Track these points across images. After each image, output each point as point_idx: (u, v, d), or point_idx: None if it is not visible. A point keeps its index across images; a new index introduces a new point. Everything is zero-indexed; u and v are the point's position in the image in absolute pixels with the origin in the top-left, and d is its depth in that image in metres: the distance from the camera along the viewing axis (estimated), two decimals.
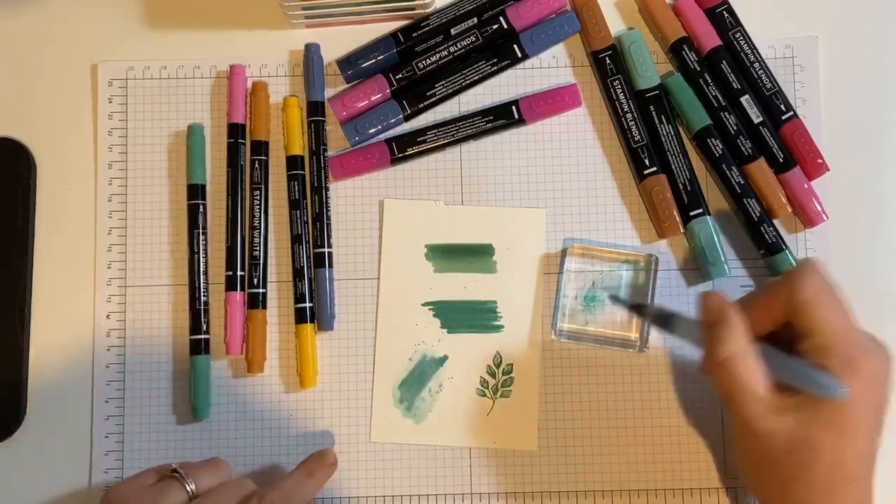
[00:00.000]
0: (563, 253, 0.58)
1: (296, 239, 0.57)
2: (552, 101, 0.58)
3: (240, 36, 0.60)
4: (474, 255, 0.58)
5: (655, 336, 0.57)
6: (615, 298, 0.56)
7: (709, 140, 0.57)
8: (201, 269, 0.57)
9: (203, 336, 0.56)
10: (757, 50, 0.58)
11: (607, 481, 0.56)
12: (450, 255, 0.58)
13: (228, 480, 0.51)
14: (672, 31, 0.58)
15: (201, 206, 0.58)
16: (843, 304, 0.47)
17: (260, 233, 0.57)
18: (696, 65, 0.58)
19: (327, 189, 0.58)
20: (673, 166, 0.57)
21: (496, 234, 0.58)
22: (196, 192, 0.58)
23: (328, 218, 0.58)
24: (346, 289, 0.58)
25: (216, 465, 0.51)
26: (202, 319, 0.56)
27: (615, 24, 0.60)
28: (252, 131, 0.58)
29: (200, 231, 0.57)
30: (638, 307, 0.54)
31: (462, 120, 0.58)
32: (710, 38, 0.58)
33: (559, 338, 0.57)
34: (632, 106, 0.58)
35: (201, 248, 0.57)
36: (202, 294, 0.57)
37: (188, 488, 0.49)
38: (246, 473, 0.56)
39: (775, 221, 0.57)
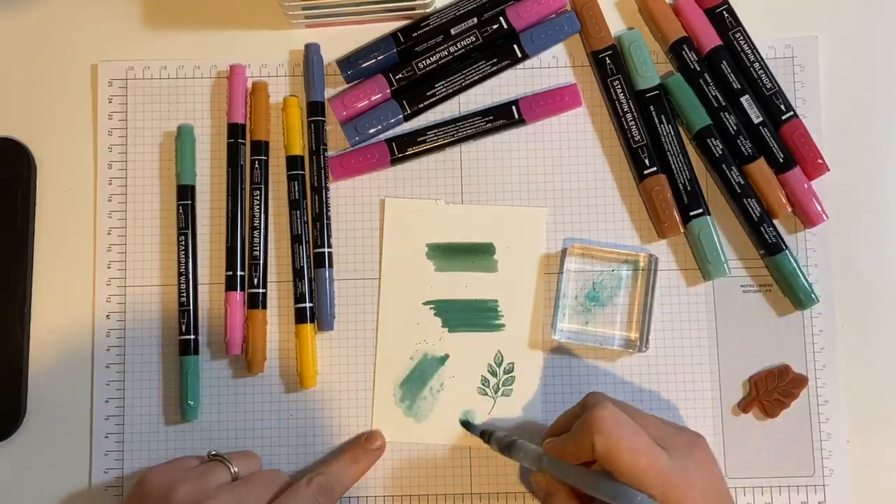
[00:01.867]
0: (563, 253, 0.58)
1: (296, 239, 0.57)
2: (552, 101, 0.58)
3: (240, 36, 0.60)
4: (475, 254, 0.58)
5: (655, 336, 0.57)
6: (466, 423, 0.56)
7: (709, 140, 0.57)
8: (190, 270, 0.57)
9: (190, 337, 0.56)
10: (757, 50, 0.58)
11: None
12: (451, 254, 0.58)
13: (262, 469, 0.53)
14: (672, 31, 0.58)
15: (190, 208, 0.58)
16: (642, 438, 0.46)
17: (260, 233, 0.57)
18: (696, 65, 0.58)
19: (327, 189, 0.58)
20: (673, 166, 0.57)
21: (497, 233, 0.58)
22: (185, 193, 0.58)
23: (328, 218, 0.58)
24: (346, 289, 0.58)
25: (250, 455, 0.54)
26: (189, 320, 0.56)
27: (615, 24, 0.60)
28: (252, 131, 0.58)
29: (190, 232, 0.57)
30: (484, 434, 0.54)
31: (462, 120, 0.58)
32: (710, 38, 0.58)
33: (559, 337, 0.57)
34: (632, 106, 0.58)
35: (190, 248, 0.57)
36: (190, 295, 0.57)
37: (232, 470, 0.51)
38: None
39: (775, 221, 0.57)
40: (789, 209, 0.57)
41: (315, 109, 0.58)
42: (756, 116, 0.58)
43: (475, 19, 0.59)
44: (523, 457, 0.51)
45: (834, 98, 0.59)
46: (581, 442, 0.47)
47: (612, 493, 0.45)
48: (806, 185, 0.57)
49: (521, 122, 0.58)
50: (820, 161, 0.57)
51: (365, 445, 0.55)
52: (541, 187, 0.59)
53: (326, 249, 0.57)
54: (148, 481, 0.49)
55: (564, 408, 0.56)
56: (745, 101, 0.58)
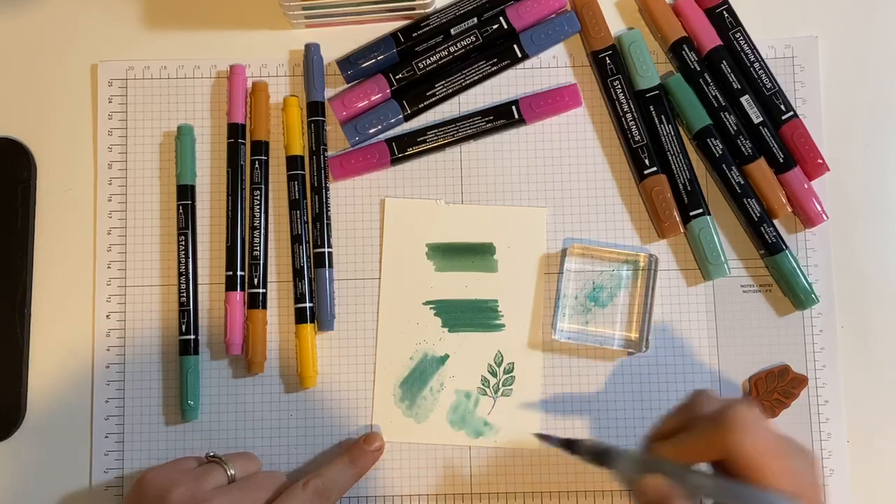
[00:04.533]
0: (563, 253, 0.58)
1: (296, 239, 0.57)
2: (552, 101, 0.58)
3: (240, 36, 0.60)
4: (475, 254, 0.58)
5: (655, 336, 0.57)
6: (542, 436, 0.49)
7: (709, 140, 0.57)
8: (189, 270, 0.57)
9: (190, 337, 0.56)
10: (757, 50, 0.58)
11: (607, 481, 0.56)
12: (451, 254, 0.58)
13: (260, 471, 0.53)
14: (672, 31, 0.58)
15: (189, 207, 0.58)
16: (774, 438, 0.42)
17: (260, 233, 0.57)
18: (696, 65, 0.58)
19: (327, 189, 0.58)
20: (673, 166, 0.57)
21: (497, 233, 0.58)
22: (185, 192, 0.58)
23: (328, 218, 0.58)
24: (346, 289, 0.58)
25: (248, 457, 0.54)
26: (189, 320, 0.56)
27: (615, 24, 0.60)
28: (252, 131, 0.58)
29: (190, 232, 0.57)
30: (569, 443, 0.47)
31: (462, 120, 0.58)
32: (710, 38, 0.58)
33: (559, 337, 0.57)
34: (632, 106, 0.58)
35: (190, 248, 0.57)
36: (190, 295, 0.57)
37: (228, 472, 0.51)
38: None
39: (775, 221, 0.57)
40: (789, 209, 0.57)
41: (315, 109, 0.58)
42: (756, 116, 0.58)
43: (475, 19, 0.59)
44: (623, 463, 0.45)
45: (834, 98, 0.59)
46: (710, 439, 0.42)
47: (750, 498, 0.40)
48: (806, 185, 0.57)
49: (521, 122, 0.58)
50: (820, 161, 0.57)
51: (363, 447, 0.55)
52: (541, 187, 0.59)
53: (326, 249, 0.57)
54: (146, 483, 0.49)
55: (564, 407, 0.57)
56: (745, 101, 0.58)
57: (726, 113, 0.58)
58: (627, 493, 0.56)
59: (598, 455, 0.46)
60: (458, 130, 0.58)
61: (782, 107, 0.58)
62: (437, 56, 0.59)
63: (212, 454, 0.52)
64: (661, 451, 0.44)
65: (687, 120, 0.58)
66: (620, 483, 0.55)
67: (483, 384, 0.57)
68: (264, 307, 0.57)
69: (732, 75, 0.58)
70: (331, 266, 0.58)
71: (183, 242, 0.57)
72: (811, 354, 0.57)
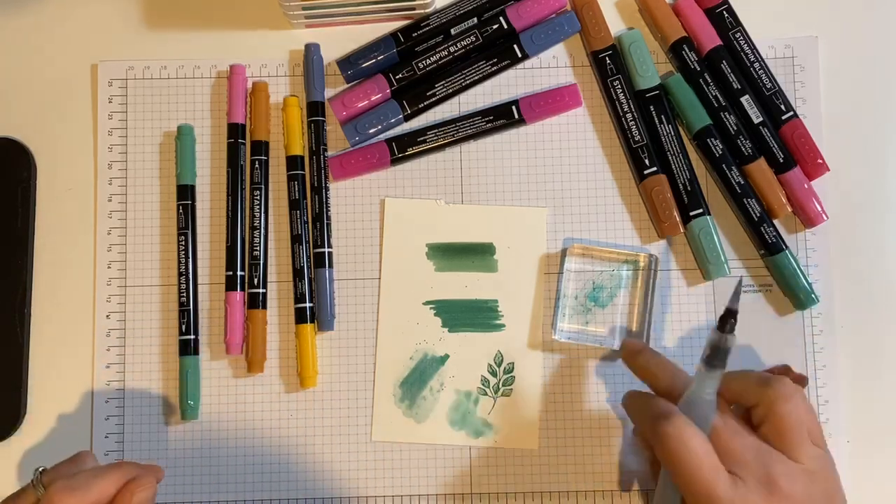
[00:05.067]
0: (563, 253, 0.58)
1: (296, 239, 0.57)
2: (552, 101, 0.58)
3: (240, 36, 0.60)
4: (475, 254, 0.58)
5: (655, 336, 0.57)
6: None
7: (709, 140, 0.57)
8: (189, 271, 0.57)
9: (190, 337, 0.56)
10: (757, 50, 0.58)
11: (607, 481, 0.56)
12: (451, 254, 0.58)
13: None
14: (672, 30, 0.58)
15: (189, 207, 0.58)
16: (817, 433, 0.47)
17: (260, 233, 0.57)
18: (696, 65, 0.58)
19: (327, 189, 0.58)
20: (673, 166, 0.57)
21: (497, 233, 0.58)
22: (185, 192, 0.58)
23: (328, 218, 0.58)
24: (346, 289, 0.58)
25: (77, 462, 0.50)
26: (189, 320, 0.56)
27: (615, 24, 0.60)
28: (252, 131, 0.58)
29: (190, 232, 0.57)
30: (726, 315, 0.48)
31: (462, 120, 0.58)
32: (710, 38, 0.58)
33: (559, 337, 0.57)
34: (632, 106, 0.58)
35: (190, 248, 0.57)
36: (190, 295, 0.57)
37: (38, 493, 0.47)
38: (245, 475, 0.56)
39: (775, 221, 0.57)
40: (789, 209, 0.57)
41: (315, 109, 0.58)
42: (756, 116, 0.58)
43: (475, 19, 0.59)
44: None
45: (834, 98, 0.59)
46: (756, 392, 0.47)
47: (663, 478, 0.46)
48: (806, 185, 0.57)
49: (521, 122, 0.58)
50: (820, 161, 0.57)
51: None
52: (541, 187, 0.59)
53: (326, 249, 0.57)
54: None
55: (564, 408, 0.57)
56: (745, 101, 0.58)
57: (726, 113, 0.58)
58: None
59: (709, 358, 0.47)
60: (458, 130, 0.58)
61: (782, 107, 0.58)
62: (437, 56, 0.59)
63: (41, 469, 0.48)
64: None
65: (687, 120, 0.58)
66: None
67: (483, 384, 0.57)
68: (264, 307, 0.57)
69: (732, 75, 0.58)
70: (331, 266, 0.58)
71: (183, 242, 0.57)
72: (811, 354, 0.57)
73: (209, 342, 0.57)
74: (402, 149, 0.58)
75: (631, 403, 0.52)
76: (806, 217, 0.57)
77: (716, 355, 0.47)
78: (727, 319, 0.47)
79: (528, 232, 0.58)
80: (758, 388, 0.47)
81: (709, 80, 0.58)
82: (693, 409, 0.46)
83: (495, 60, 0.58)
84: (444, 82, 0.58)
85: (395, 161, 0.58)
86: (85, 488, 0.46)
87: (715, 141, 0.57)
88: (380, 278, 0.58)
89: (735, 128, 0.57)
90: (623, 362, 0.54)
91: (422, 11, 0.59)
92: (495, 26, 0.59)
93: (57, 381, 0.57)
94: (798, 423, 0.46)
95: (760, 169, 0.57)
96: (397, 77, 0.58)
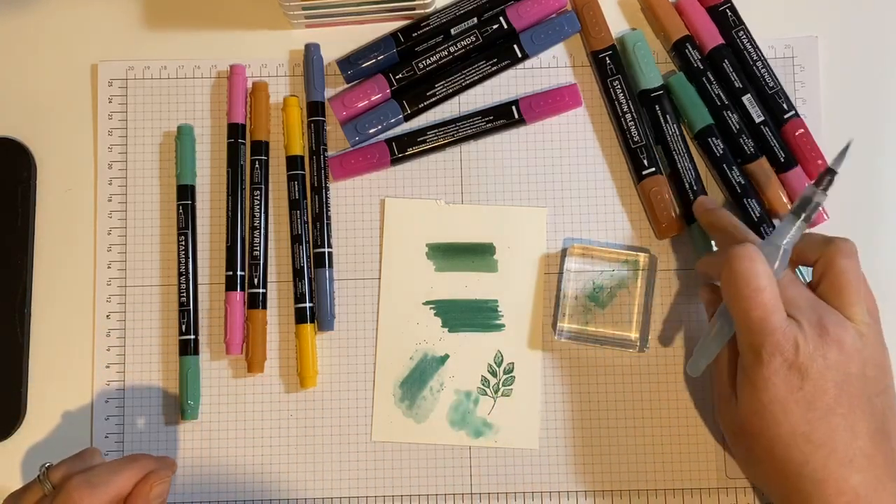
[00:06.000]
0: (563, 253, 0.58)
1: (296, 239, 0.57)
2: (552, 101, 0.58)
3: (240, 36, 0.60)
4: (476, 254, 0.58)
5: (655, 336, 0.57)
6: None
7: (710, 139, 0.57)
8: (189, 271, 0.57)
9: (190, 337, 0.56)
10: (759, 49, 0.58)
11: (607, 481, 0.56)
12: (451, 254, 0.58)
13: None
14: (675, 29, 0.58)
15: (189, 207, 0.58)
16: (871, 302, 0.49)
17: (260, 233, 0.57)
18: (698, 63, 0.58)
19: (327, 189, 0.58)
20: (679, 166, 0.57)
21: (497, 233, 0.58)
22: (185, 192, 0.58)
23: (328, 218, 0.58)
24: (346, 289, 0.58)
25: (84, 458, 0.50)
26: (189, 320, 0.56)
27: (617, 23, 0.60)
28: (252, 131, 0.58)
29: (190, 232, 0.57)
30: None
31: (462, 120, 0.58)
32: (712, 37, 0.58)
33: (559, 337, 0.57)
34: (631, 106, 0.58)
35: (190, 248, 0.57)
36: (190, 295, 0.57)
37: (46, 488, 0.47)
38: (245, 475, 0.56)
39: (776, 221, 0.57)
40: (790, 209, 0.57)
41: (315, 109, 0.58)
42: (758, 116, 0.57)
43: (475, 19, 0.59)
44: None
45: (834, 98, 0.59)
46: (816, 253, 0.49)
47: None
48: (807, 185, 0.57)
49: (521, 122, 0.58)
50: (821, 161, 0.57)
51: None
52: (541, 187, 0.59)
53: (326, 249, 0.57)
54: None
55: (564, 408, 0.57)
56: (747, 100, 0.58)
57: (728, 112, 0.57)
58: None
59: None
60: (458, 130, 0.58)
61: (784, 106, 0.58)
62: (437, 56, 0.58)
63: (46, 465, 0.49)
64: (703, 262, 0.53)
65: (689, 119, 0.58)
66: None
67: (483, 384, 0.57)
68: (264, 307, 0.57)
69: (734, 74, 0.58)
70: (331, 266, 0.58)
71: (183, 242, 0.57)
72: None
73: (209, 342, 0.57)
74: (402, 149, 0.58)
75: (706, 259, 0.54)
76: None
77: (804, 206, 0.48)
78: (825, 176, 0.48)
79: (528, 232, 0.58)
80: (821, 244, 0.49)
81: (711, 78, 0.58)
82: (767, 253, 0.48)
83: (495, 60, 0.58)
84: (444, 82, 0.58)
85: (395, 161, 0.58)
86: (105, 484, 0.46)
87: (716, 140, 0.57)
88: (380, 278, 0.58)
89: (737, 127, 0.57)
90: (696, 216, 0.55)
91: (422, 11, 0.59)
92: (495, 26, 0.59)
93: (57, 381, 0.57)
94: (855, 281, 0.47)
95: (762, 168, 0.57)
96: (397, 77, 0.58)
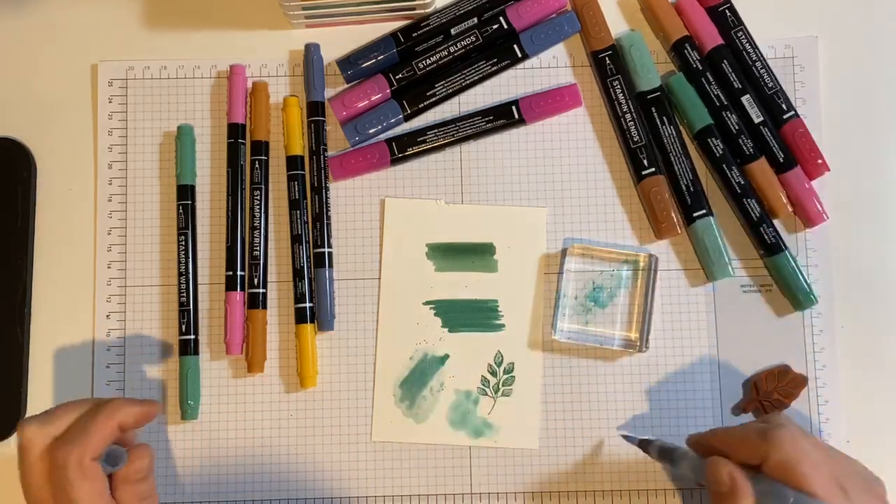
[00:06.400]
0: (563, 253, 0.58)
1: (296, 239, 0.57)
2: (552, 101, 0.58)
3: (240, 36, 0.60)
4: (475, 254, 0.58)
5: (655, 336, 0.57)
6: (626, 436, 0.56)
7: (709, 140, 0.57)
8: (189, 270, 0.57)
9: (190, 337, 0.56)
10: (758, 49, 0.58)
11: (607, 481, 0.56)
12: (451, 254, 0.58)
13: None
14: (674, 29, 0.58)
15: (189, 207, 0.58)
16: (823, 455, 0.46)
17: (260, 233, 0.57)
18: (697, 64, 0.58)
19: (327, 189, 0.58)
20: (676, 167, 0.57)
21: (497, 233, 0.58)
22: (185, 192, 0.58)
23: (328, 218, 0.58)
24: (346, 289, 0.58)
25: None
26: (189, 320, 0.56)
27: (616, 24, 0.60)
28: (252, 131, 0.58)
29: (190, 232, 0.57)
30: (643, 443, 0.54)
31: (462, 120, 0.58)
32: (711, 37, 0.58)
33: (559, 337, 0.57)
34: (631, 106, 0.58)
35: (190, 248, 0.57)
36: (190, 295, 0.57)
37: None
38: (245, 475, 0.56)
39: (775, 221, 0.57)
40: (790, 209, 0.57)
41: (315, 109, 0.58)
42: (757, 116, 0.58)
43: (475, 19, 0.59)
44: (687, 462, 0.50)
45: (834, 98, 0.59)
46: (755, 450, 0.46)
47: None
48: (806, 185, 0.57)
49: (521, 122, 0.58)
50: (820, 161, 0.57)
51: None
52: (541, 187, 0.59)
53: (326, 249, 0.57)
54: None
55: (564, 407, 0.57)
56: (746, 100, 0.58)
57: (728, 112, 0.57)
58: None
59: (665, 454, 0.52)
60: (458, 130, 0.58)
61: (783, 106, 0.58)
62: (437, 56, 0.59)
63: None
64: (710, 440, 0.49)
65: (688, 119, 0.58)
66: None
67: (483, 384, 0.57)
68: (264, 307, 0.57)
69: (734, 74, 0.58)
70: (331, 266, 0.58)
71: (183, 242, 0.57)
72: (811, 354, 0.57)
73: (209, 342, 0.57)
74: (402, 149, 0.58)
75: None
76: (806, 217, 0.57)
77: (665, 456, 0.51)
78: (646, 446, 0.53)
79: (527, 232, 0.58)
80: (756, 443, 0.46)
81: (710, 79, 0.58)
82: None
83: (495, 60, 0.58)
84: (444, 82, 0.58)
85: (395, 161, 0.58)
86: (58, 418, 0.47)
87: (716, 140, 0.57)
88: (380, 278, 0.58)
89: (736, 127, 0.57)
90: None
91: (422, 11, 0.59)
92: (495, 26, 0.59)
93: (57, 381, 0.57)
94: (801, 459, 0.45)
95: (761, 168, 0.57)
96: (397, 77, 0.58)
